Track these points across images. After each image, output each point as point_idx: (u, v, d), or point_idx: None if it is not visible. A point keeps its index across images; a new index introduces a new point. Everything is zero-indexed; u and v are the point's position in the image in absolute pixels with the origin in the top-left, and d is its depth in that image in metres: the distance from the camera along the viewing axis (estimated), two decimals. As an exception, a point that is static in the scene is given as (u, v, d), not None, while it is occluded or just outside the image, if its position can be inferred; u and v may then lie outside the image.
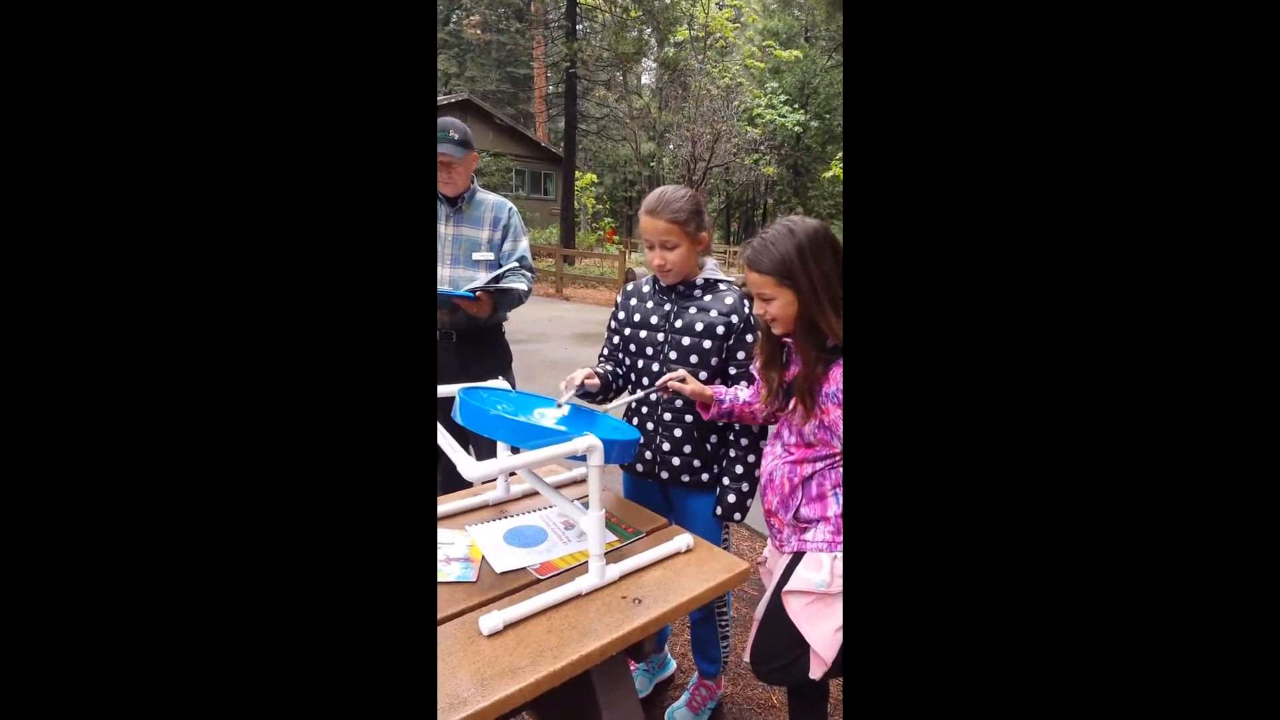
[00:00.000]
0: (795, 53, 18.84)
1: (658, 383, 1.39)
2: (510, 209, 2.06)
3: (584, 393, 1.46)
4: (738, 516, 1.49)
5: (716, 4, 15.82)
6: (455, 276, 1.97)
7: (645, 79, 20.53)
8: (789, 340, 1.27)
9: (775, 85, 18.22)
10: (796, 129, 17.75)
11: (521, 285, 1.94)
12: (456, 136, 1.93)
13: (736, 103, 15.46)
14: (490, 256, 2.01)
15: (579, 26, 14.69)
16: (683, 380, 1.36)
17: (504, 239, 2.02)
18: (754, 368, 1.39)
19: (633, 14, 14.74)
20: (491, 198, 2.06)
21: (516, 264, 1.99)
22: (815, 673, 1.19)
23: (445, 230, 1.99)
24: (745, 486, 1.48)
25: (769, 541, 1.37)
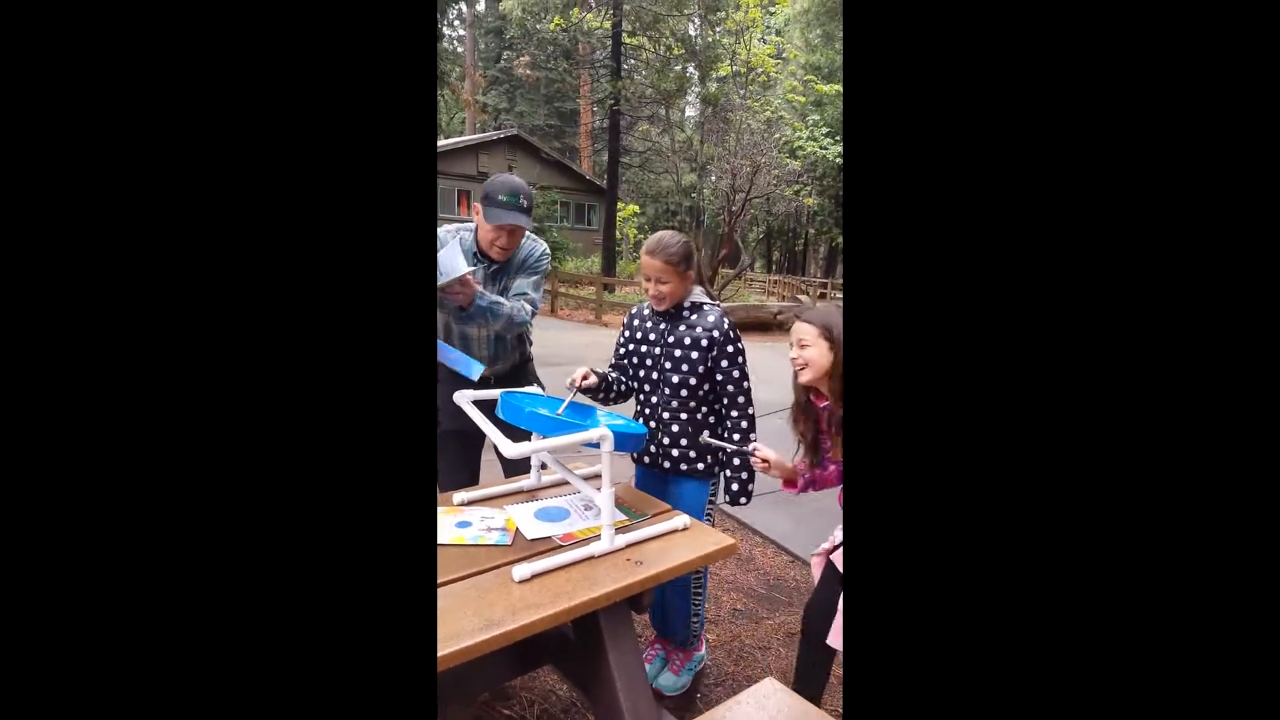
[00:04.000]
0: (836, 86, 19.15)
1: (749, 449, 1.59)
2: (541, 253, 1.96)
3: (585, 389, 1.77)
4: (744, 500, 1.80)
5: (759, 40, 16.31)
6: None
7: (688, 112, 21.12)
8: (818, 401, 1.53)
9: (817, 118, 18.53)
10: (838, 160, 17.98)
11: (507, 308, 1.82)
12: (526, 204, 1.80)
13: (777, 135, 15.82)
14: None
15: (624, 65, 15.30)
16: (767, 460, 1.55)
17: (518, 272, 1.92)
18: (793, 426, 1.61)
19: (676, 51, 15.32)
20: (527, 244, 1.94)
21: (519, 294, 1.90)
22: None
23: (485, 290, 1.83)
24: (745, 475, 1.78)
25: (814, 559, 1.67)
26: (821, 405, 1.52)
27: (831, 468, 1.58)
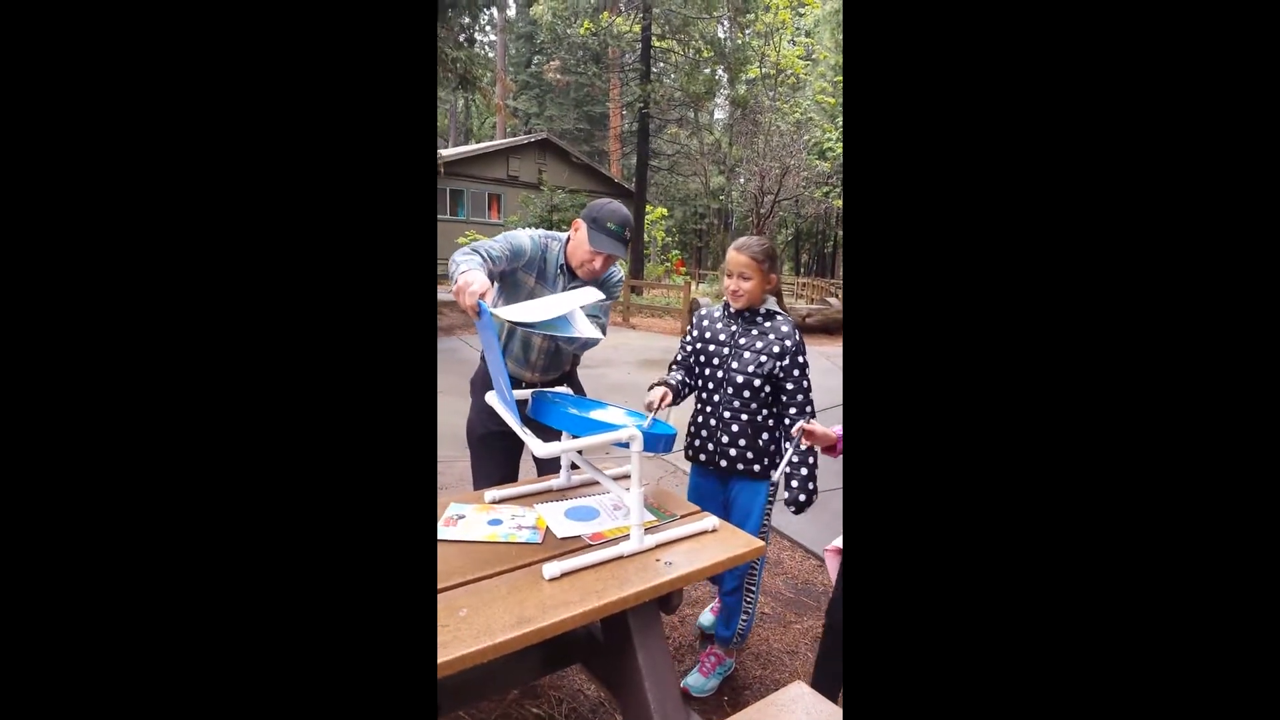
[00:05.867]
0: (867, 87, 18.88)
1: (795, 431, 1.66)
2: (617, 279, 1.96)
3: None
4: (806, 506, 1.81)
5: (789, 42, 16.24)
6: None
7: (717, 115, 21.09)
8: None
9: (846, 119, 18.36)
10: (867, 162, 17.73)
11: (585, 332, 1.80)
12: (629, 236, 1.82)
13: (806, 137, 15.74)
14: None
15: (653, 69, 15.34)
16: (809, 432, 1.63)
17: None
18: None
19: (705, 54, 15.31)
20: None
21: (592, 317, 1.80)
22: None
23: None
24: (805, 472, 1.81)
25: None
26: None
27: None
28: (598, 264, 1.80)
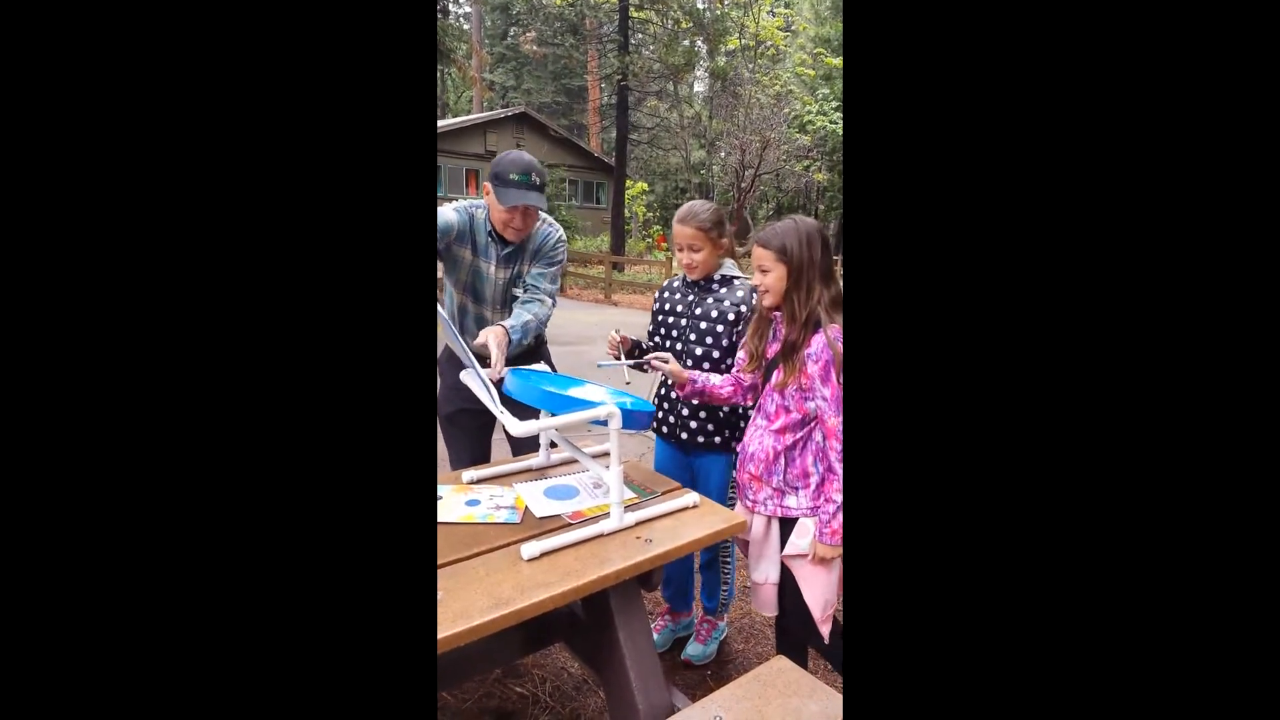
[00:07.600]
0: (847, 59, 18.72)
1: (646, 358, 1.67)
2: (557, 239, 1.90)
3: (627, 352, 1.83)
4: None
5: (768, 13, 16.02)
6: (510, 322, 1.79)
7: (697, 87, 20.83)
8: (776, 315, 1.51)
9: (827, 92, 18.23)
10: (848, 135, 17.65)
11: (533, 321, 1.78)
12: (539, 182, 1.72)
13: (787, 110, 15.59)
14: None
15: (631, 40, 15.07)
16: (665, 361, 1.64)
17: (533, 259, 1.88)
18: (740, 345, 1.65)
19: (683, 25, 15.06)
20: (543, 229, 1.88)
21: (534, 287, 1.84)
22: (824, 631, 1.47)
23: (499, 274, 1.84)
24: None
25: (739, 504, 1.62)
26: (777, 323, 1.53)
27: (728, 388, 1.62)
28: (517, 221, 1.73)
